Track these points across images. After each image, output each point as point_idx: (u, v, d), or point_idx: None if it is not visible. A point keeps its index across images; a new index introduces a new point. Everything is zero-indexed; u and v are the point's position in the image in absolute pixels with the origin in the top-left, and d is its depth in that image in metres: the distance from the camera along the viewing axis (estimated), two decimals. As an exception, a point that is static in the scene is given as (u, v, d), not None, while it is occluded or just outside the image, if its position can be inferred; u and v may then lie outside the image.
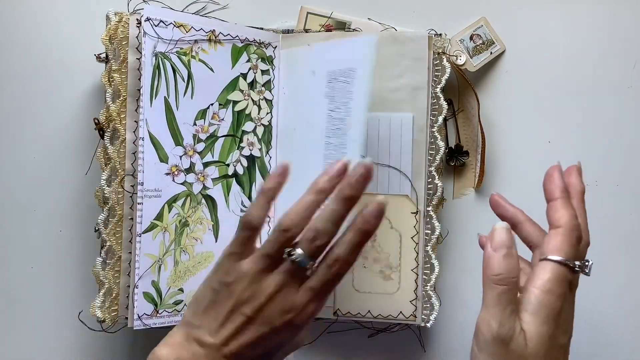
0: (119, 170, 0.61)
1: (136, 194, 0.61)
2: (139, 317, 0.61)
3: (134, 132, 0.61)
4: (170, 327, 0.61)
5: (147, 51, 0.60)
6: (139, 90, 0.61)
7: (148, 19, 0.61)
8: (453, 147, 0.69)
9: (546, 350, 0.44)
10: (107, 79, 0.61)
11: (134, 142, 0.61)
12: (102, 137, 0.62)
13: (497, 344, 0.44)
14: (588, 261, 0.47)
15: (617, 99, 0.69)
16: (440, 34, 0.66)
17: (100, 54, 0.63)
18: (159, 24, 0.61)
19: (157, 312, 0.62)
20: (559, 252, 0.45)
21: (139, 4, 0.66)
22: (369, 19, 0.68)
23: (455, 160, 0.68)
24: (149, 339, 0.69)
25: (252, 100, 0.67)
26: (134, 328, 0.60)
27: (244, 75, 0.66)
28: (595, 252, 0.69)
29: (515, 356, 0.44)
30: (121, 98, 0.61)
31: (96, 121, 0.62)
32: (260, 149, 0.67)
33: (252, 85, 0.67)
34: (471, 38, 0.68)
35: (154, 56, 0.61)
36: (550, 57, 0.69)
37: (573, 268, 0.46)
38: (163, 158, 0.62)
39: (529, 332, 0.44)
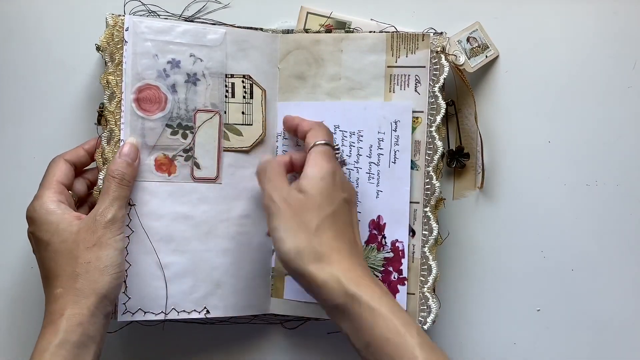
0: (115, 170, 0.62)
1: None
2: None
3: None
4: (156, 322, 0.63)
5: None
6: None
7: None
8: (454, 149, 0.68)
9: (323, 195, 0.56)
10: (105, 81, 0.62)
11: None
12: (98, 122, 0.62)
13: None
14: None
15: (617, 99, 0.68)
16: (441, 33, 0.65)
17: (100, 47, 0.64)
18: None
19: None
20: (321, 138, 0.59)
21: (137, 5, 0.66)
22: (371, 19, 0.68)
23: (456, 163, 0.68)
24: (147, 339, 0.70)
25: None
26: (118, 320, 0.61)
27: None
28: (595, 252, 0.69)
29: (295, 199, 0.56)
30: (116, 100, 0.61)
31: (101, 105, 0.62)
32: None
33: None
34: (468, 40, 0.67)
35: None
36: (550, 57, 0.69)
37: (334, 147, 0.61)
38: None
39: (305, 185, 0.56)
